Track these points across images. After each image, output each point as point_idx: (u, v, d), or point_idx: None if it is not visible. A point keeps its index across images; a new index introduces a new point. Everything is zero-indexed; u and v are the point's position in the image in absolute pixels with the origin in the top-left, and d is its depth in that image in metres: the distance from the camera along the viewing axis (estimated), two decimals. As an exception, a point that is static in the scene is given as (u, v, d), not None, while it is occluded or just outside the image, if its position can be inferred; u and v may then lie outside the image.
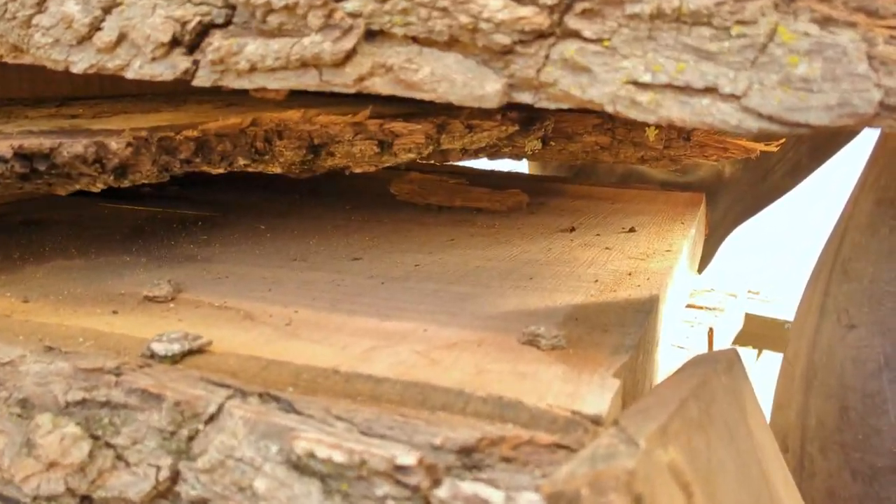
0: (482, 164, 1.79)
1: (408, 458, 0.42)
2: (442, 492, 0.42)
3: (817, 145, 1.32)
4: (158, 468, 0.46)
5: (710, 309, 1.24)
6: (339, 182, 1.27)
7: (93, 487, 0.47)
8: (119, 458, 0.47)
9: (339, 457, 0.42)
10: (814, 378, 0.77)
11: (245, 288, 0.69)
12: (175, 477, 0.46)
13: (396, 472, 0.42)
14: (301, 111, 0.72)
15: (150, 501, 0.46)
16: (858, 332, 0.73)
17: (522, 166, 1.88)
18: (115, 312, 0.61)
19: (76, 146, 0.61)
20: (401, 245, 0.87)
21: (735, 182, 1.53)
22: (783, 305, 2.00)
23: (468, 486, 0.42)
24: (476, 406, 0.48)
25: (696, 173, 1.62)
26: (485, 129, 0.79)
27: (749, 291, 2.07)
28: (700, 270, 1.56)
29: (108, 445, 0.47)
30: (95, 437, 0.47)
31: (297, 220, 0.98)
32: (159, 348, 0.53)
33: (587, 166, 1.74)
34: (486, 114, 0.81)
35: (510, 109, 0.88)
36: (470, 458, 0.43)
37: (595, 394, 0.50)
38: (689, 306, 1.24)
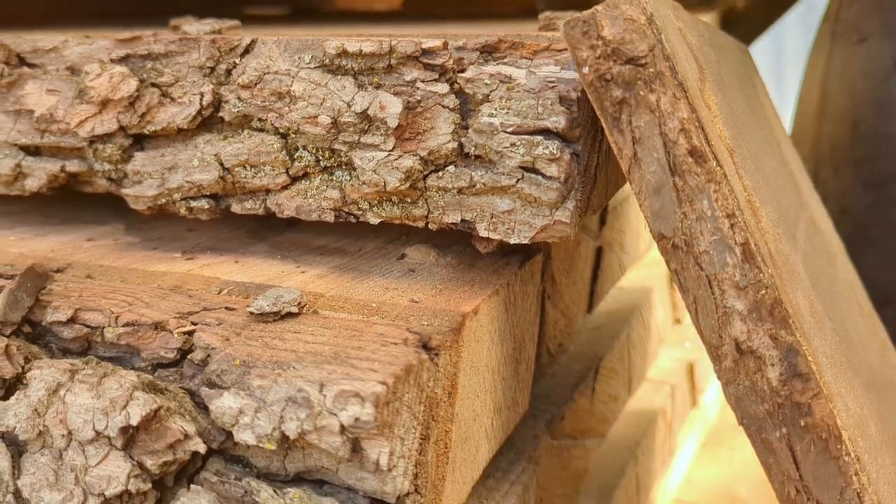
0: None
1: (433, 41, 0.45)
2: (467, 73, 0.45)
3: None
4: (202, 94, 0.49)
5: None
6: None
7: (143, 123, 0.50)
8: (164, 95, 0.50)
9: (368, 47, 0.45)
10: (827, 105, 0.79)
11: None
12: (217, 102, 0.49)
13: (424, 56, 0.45)
14: None
15: (197, 127, 0.50)
16: (869, 43, 0.74)
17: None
18: (147, 32, 0.64)
19: None
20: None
21: (748, 12, 1.52)
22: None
23: (492, 68, 0.45)
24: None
25: (706, 15, 1.60)
26: None
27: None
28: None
29: (154, 85, 0.50)
30: (141, 80, 0.51)
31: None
32: (191, 28, 0.55)
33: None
34: None
35: None
36: (492, 56, 0.46)
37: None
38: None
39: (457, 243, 0.53)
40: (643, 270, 0.93)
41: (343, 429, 0.34)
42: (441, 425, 0.40)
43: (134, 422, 0.35)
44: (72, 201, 0.67)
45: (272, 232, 0.57)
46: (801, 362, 0.39)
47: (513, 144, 0.42)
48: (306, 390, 0.34)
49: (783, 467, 0.40)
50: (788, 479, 0.40)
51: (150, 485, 0.36)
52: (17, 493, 0.37)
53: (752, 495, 1.04)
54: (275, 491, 0.35)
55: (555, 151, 0.41)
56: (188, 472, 0.38)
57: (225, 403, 0.35)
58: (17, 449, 0.38)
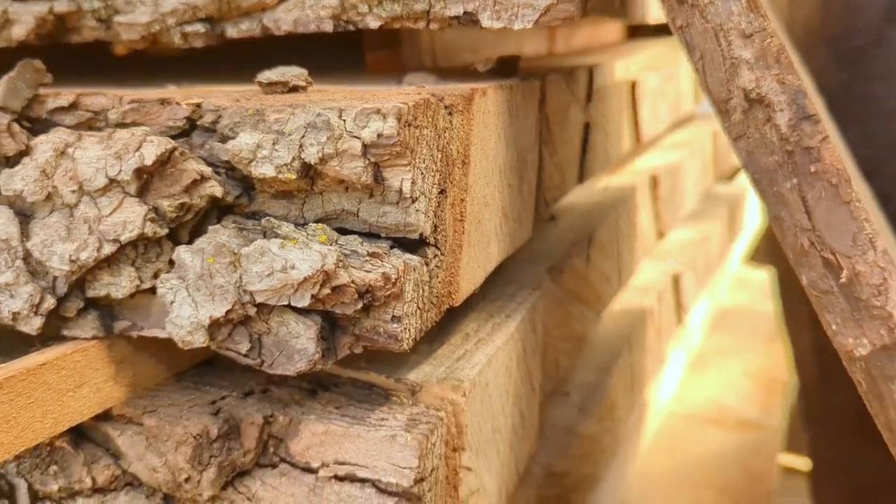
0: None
1: None
2: None
3: None
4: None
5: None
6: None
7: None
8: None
9: None
10: (796, -13, 0.81)
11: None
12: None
13: None
14: None
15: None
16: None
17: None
18: None
19: None
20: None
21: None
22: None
23: None
24: None
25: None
26: None
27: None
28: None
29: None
30: None
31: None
32: None
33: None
34: None
35: None
36: None
37: None
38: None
39: (456, 77, 0.53)
40: (627, 177, 0.94)
41: (365, 150, 0.34)
42: (456, 190, 0.39)
43: (148, 161, 0.35)
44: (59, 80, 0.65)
45: (265, 81, 0.57)
46: (808, 104, 0.39)
47: (514, -80, 0.42)
48: (326, 115, 0.34)
49: (796, 218, 0.41)
50: (802, 230, 0.41)
51: (166, 230, 0.35)
52: (27, 256, 0.36)
53: (740, 404, 1.05)
54: (296, 225, 0.35)
55: (556, -76, 0.42)
56: (203, 230, 0.37)
57: (241, 141, 0.35)
58: (25, 219, 0.37)
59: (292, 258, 0.32)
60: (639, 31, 1.22)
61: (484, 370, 0.42)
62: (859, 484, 0.96)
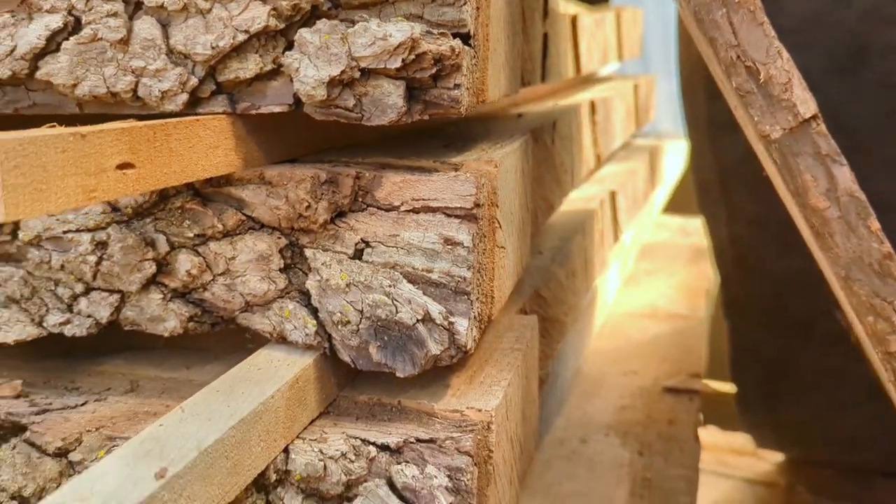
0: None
1: None
2: None
3: None
4: None
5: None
6: None
7: None
8: None
9: None
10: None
11: None
12: None
13: None
14: None
15: None
16: None
17: None
18: None
19: None
20: None
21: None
22: None
23: None
24: None
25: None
26: None
27: None
28: None
29: None
30: None
31: None
32: None
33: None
34: None
35: None
36: None
37: None
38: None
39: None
40: (571, 101, 1.09)
41: (433, -40, 0.47)
42: (483, 15, 0.53)
43: (271, -27, 0.46)
44: None
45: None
46: (732, -48, 0.55)
47: None
48: (403, -64, 0.47)
49: (726, 38, 0.56)
50: (731, 47, 0.56)
51: (283, 25, 0.47)
52: (169, 52, 0.47)
53: (669, 304, 1.21)
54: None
55: None
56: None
57: (338, -41, 0.47)
58: (163, 28, 0.48)
59: (389, 30, 0.45)
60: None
61: (504, 159, 0.55)
62: (769, 364, 1.14)
